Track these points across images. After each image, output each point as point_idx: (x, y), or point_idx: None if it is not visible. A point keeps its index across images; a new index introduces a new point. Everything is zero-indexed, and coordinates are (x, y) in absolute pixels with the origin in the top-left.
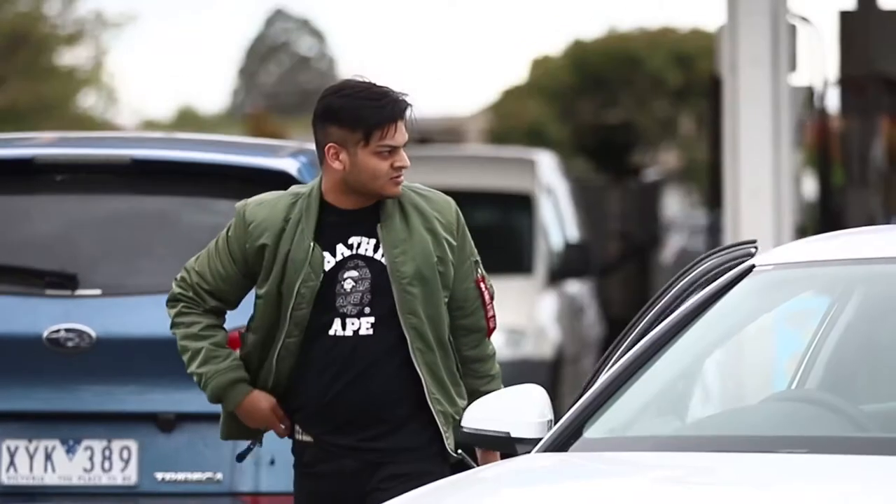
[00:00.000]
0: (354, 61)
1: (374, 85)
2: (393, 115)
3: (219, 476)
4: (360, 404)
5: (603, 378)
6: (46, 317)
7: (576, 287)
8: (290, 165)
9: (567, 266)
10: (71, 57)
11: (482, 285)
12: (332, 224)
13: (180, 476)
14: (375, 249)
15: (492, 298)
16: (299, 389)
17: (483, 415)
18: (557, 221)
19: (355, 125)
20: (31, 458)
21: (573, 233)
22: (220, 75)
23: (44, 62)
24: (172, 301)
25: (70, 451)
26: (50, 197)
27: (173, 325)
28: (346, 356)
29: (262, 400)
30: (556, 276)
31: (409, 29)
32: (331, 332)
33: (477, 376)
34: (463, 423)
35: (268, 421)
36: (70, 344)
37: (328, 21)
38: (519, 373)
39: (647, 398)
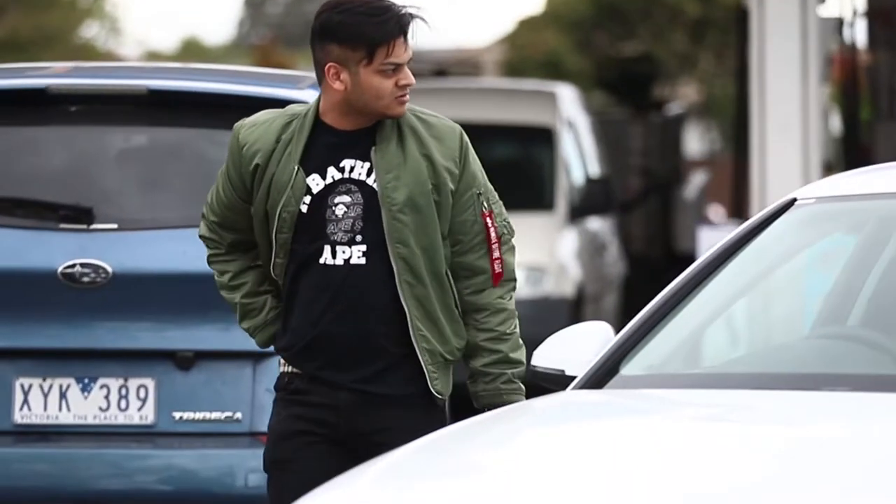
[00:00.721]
0: None
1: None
2: (397, 30)
3: (238, 415)
4: (353, 338)
5: (640, 314)
6: (61, 251)
7: (597, 224)
8: (310, 97)
9: (588, 202)
10: None
11: (488, 220)
12: (326, 146)
13: (198, 415)
14: (369, 174)
15: (500, 239)
16: (289, 321)
17: (543, 352)
18: (578, 156)
19: (357, 42)
20: (46, 396)
21: (594, 168)
22: (225, 5)
23: None
24: (203, 241)
25: (85, 389)
26: (63, 128)
27: (213, 272)
28: (336, 286)
29: None
30: (577, 212)
31: None
32: (321, 261)
33: (478, 328)
34: (532, 361)
35: None
36: (85, 279)
37: None
38: (539, 311)
39: (685, 335)
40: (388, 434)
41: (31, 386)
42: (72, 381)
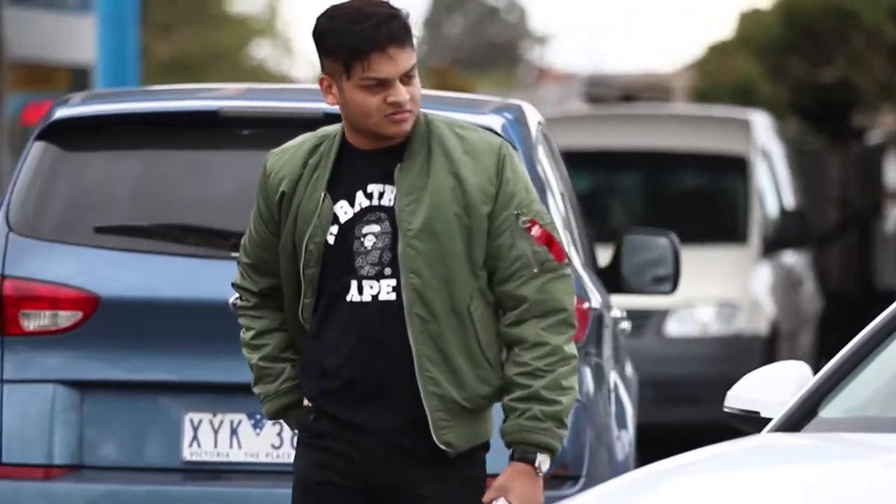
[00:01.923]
0: (546, 13)
1: (372, 3)
2: (374, 41)
3: None
4: (383, 382)
5: (839, 354)
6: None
7: (792, 258)
8: (494, 122)
9: (783, 235)
10: (243, 4)
11: (534, 230)
12: (353, 168)
13: None
14: (396, 199)
15: (543, 265)
16: (316, 363)
17: (737, 393)
18: (773, 187)
19: (336, 54)
20: (216, 432)
21: (789, 199)
22: None
23: (213, 9)
24: (235, 291)
25: (257, 425)
26: (235, 152)
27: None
28: (363, 325)
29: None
30: (772, 245)
31: None
32: (347, 298)
33: (514, 361)
34: (725, 402)
35: None
36: None
37: None
38: (731, 349)
39: (887, 376)
40: (421, 493)
41: (200, 421)
42: (243, 416)
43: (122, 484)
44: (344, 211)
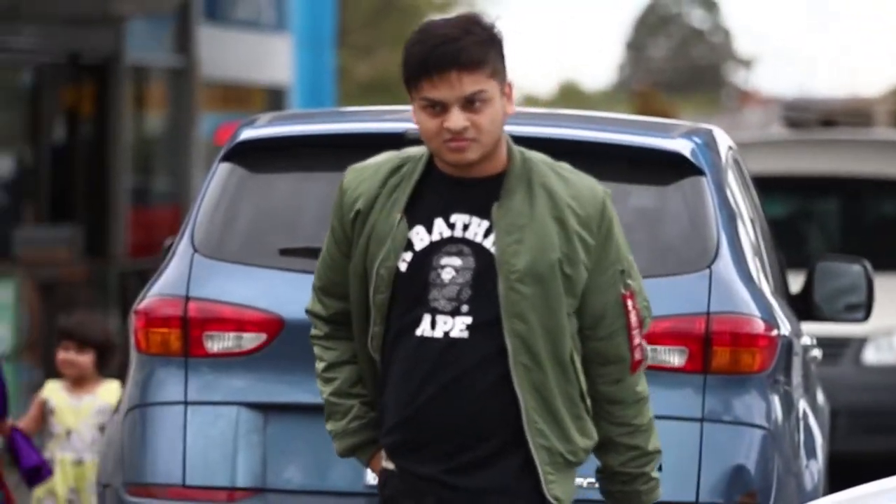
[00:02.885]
0: (751, 35)
1: (452, 23)
2: (428, 62)
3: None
4: (446, 423)
5: None
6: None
7: None
8: (683, 146)
9: None
10: None
11: (629, 303)
12: (436, 195)
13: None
14: (486, 234)
15: (641, 323)
16: (385, 399)
17: None
18: None
19: (403, 72)
20: None
21: None
22: (605, 49)
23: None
24: (309, 317)
25: None
26: None
27: None
28: (432, 362)
29: (378, 461)
30: None
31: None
32: (417, 332)
33: (613, 422)
34: None
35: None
36: None
37: None
38: None
39: None
40: None
41: None
42: None
43: None
44: (420, 238)
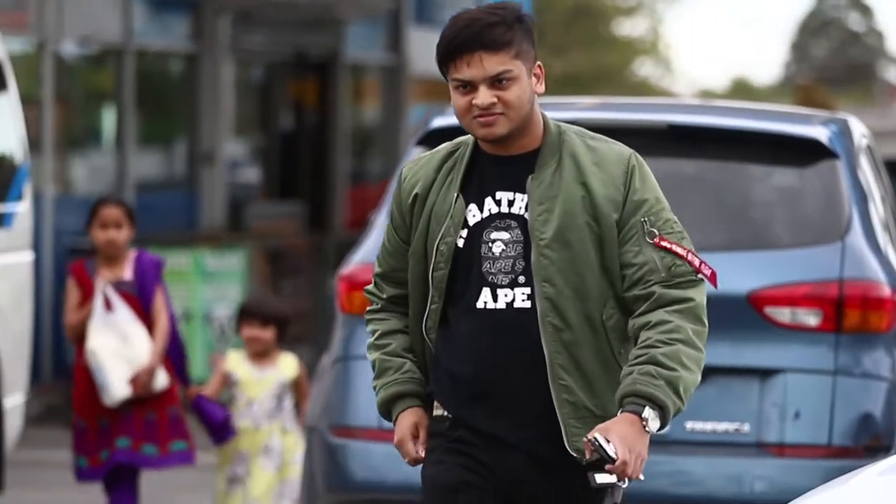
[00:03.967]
0: None
1: (484, 10)
2: (457, 44)
3: (745, 427)
4: (518, 388)
5: None
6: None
7: None
8: (820, 133)
9: None
10: (629, 27)
11: (664, 244)
12: (483, 174)
13: (709, 426)
14: (528, 208)
15: (689, 251)
16: (445, 369)
17: None
18: None
19: (438, 56)
20: None
21: None
22: (772, 48)
23: (603, 33)
24: (367, 296)
25: None
26: None
27: None
28: (498, 332)
29: (405, 417)
30: None
31: None
32: (478, 304)
33: (639, 343)
34: None
35: (401, 441)
36: None
37: None
38: None
39: None
40: (551, 500)
41: None
42: None
43: None
44: (472, 215)
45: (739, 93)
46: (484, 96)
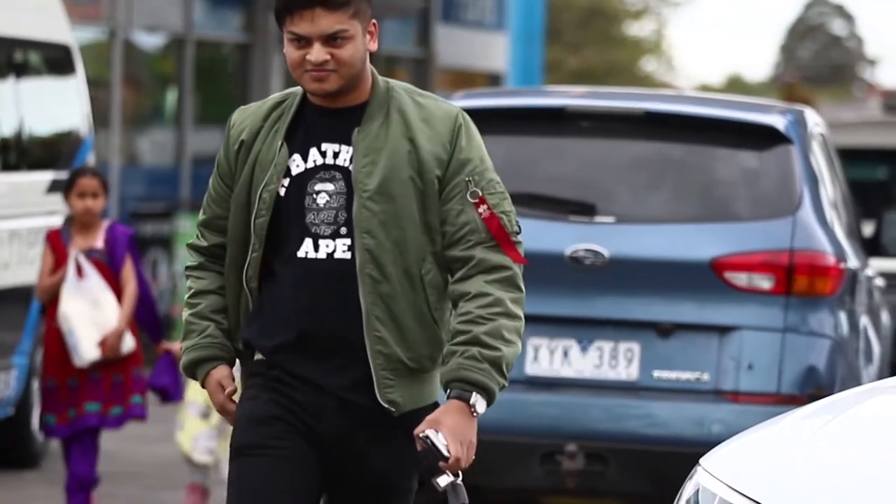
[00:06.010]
0: (881, 41)
1: None
2: (296, 0)
3: (705, 376)
4: (336, 337)
5: None
6: (568, 238)
7: None
8: (777, 121)
9: None
10: (637, 28)
11: (486, 204)
12: (309, 125)
13: (673, 375)
14: (353, 159)
15: (501, 227)
16: (267, 318)
17: None
18: None
19: (275, 9)
20: (551, 354)
21: None
22: (763, 50)
23: (614, 32)
24: (188, 251)
25: (583, 349)
26: (575, 140)
27: None
28: (319, 282)
29: (214, 374)
30: None
31: None
32: (299, 254)
33: (459, 314)
34: None
35: (215, 398)
36: (587, 261)
37: (860, 5)
38: None
39: None
40: (364, 448)
41: (539, 345)
42: (573, 342)
43: None
44: (296, 164)
45: (734, 88)
46: (318, 53)
